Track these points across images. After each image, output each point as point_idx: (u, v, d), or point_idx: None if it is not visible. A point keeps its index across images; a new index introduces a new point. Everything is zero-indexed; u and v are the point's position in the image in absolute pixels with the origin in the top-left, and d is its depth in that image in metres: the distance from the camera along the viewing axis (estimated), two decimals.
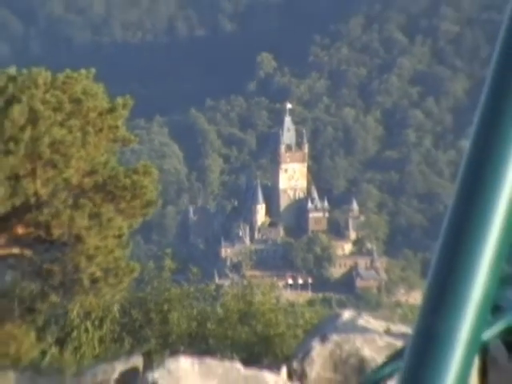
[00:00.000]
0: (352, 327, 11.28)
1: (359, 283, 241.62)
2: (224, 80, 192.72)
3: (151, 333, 25.14)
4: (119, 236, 27.26)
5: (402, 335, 9.67)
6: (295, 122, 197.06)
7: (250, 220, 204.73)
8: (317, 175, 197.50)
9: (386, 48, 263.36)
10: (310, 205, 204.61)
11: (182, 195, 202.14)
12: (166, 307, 28.72)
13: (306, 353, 10.60)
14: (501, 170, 5.98)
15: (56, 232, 25.93)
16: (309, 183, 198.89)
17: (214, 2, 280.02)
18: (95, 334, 25.41)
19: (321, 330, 11.46)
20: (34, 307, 26.72)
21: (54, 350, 24.26)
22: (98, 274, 26.51)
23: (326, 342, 10.99)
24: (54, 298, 26.72)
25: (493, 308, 6.95)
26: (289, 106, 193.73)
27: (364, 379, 10.47)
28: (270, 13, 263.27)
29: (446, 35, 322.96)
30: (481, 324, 5.50)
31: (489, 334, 9.84)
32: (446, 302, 6.50)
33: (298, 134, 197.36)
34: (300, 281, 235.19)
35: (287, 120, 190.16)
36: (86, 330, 25.45)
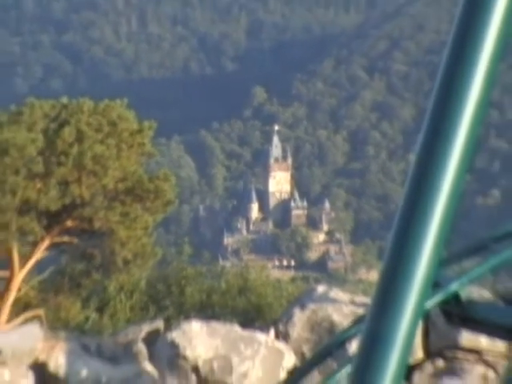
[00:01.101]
0: (325, 298, 11.20)
1: (330, 265, 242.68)
2: (226, 107, 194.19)
3: (170, 303, 25.94)
4: (145, 228, 28.33)
5: (364, 305, 9.71)
6: (281, 140, 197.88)
7: (246, 216, 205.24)
8: (298, 181, 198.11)
9: (351, 83, 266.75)
10: (292, 204, 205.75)
11: (194, 196, 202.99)
12: (183, 283, 29.28)
13: (289, 318, 10.52)
14: (438, 179, 5.96)
15: (96, 225, 26.90)
16: (292, 187, 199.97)
17: (219, 47, 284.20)
18: (127, 303, 26.24)
19: (300, 300, 11.41)
20: (80, 283, 27.78)
21: (95, 315, 24.98)
22: (129, 257, 27.69)
23: (305, 309, 10.93)
24: (95, 275, 28.03)
25: (433, 284, 7.01)
26: (276, 128, 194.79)
27: (334, 338, 10.43)
28: (263, 56, 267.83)
29: (398, 73, 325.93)
30: (424, 297, 5.50)
31: (430, 304, 9.96)
32: (399, 278, 6.49)
33: (284, 150, 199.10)
34: (285, 263, 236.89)
35: (275, 139, 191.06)
36: (120, 301, 26.28)
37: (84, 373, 10.18)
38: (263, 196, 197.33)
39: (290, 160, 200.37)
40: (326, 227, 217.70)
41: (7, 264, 26.05)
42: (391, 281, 5.86)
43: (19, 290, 25.72)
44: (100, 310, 25.90)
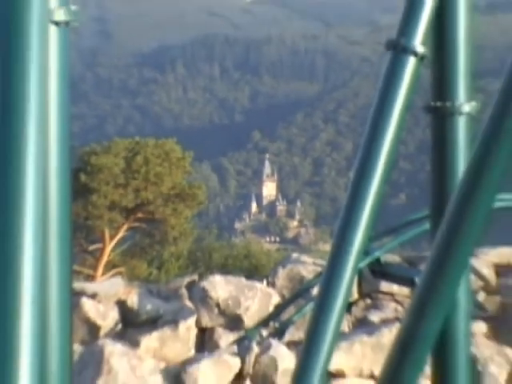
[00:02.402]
0: (297, 261, 11.21)
1: (301, 241, 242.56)
2: (237, 143, 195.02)
3: (202, 264, 26.60)
4: (186, 218, 29.24)
5: (321, 265, 9.81)
6: (270, 163, 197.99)
7: (248, 210, 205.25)
8: (280, 189, 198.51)
9: (314, 129, 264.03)
10: (277, 203, 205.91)
11: (216, 199, 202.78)
12: (210, 252, 29.77)
13: (275, 273, 10.50)
14: (369, 185, 5.85)
15: (156, 216, 28.04)
16: (276, 193, 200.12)
17: (232, 108, 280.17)
18: (175, 264, 27.33)
19: (282, 262, 11.37)
20: (146, 251, 28.83)
21: (156, 272, 26.23)
22: (177, 235, 28.49)
23: (285, 268, 10.87)
24: (156, 247, 29.01)
25: (365, 252, 6.91)
26: (267, 156, 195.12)
27: (303, 286, 10.38)
28: (259, 111, 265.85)
29: (344, 123, 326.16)
30: (359, 260, 5.40)
31: (362, 265, 10.02)
32: (344, 249, 6.33)
33: (272, 169, 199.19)
34: (272, 239, 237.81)
35: (266, 162, 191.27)
36: (171, 263, 27.39)
37: (148, 307, 10.17)
38: (259, 198, 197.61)
39: (275, 175, 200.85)
40: (298, 217, 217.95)
41: (101, 240, 26.98)
42: (339, 250, 5.83)
43: (109, 256, 26.74)
44: (159, 268, 26.98)
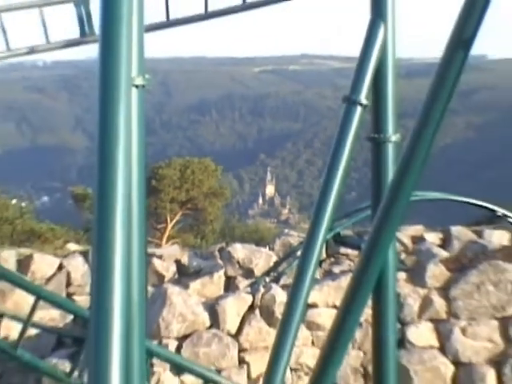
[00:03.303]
0: (288, 234, 11.22)
1: (290, 222, 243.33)
2: (250, 161, 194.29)
3: (228, 237, 24.50)
4: (218, 208, 27.93)
5: (303, 237, 9.63)
6: (271, 173, 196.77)
7: (257, 203, 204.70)
8: (277, 189, 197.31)
9: (295, 157, 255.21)
10: (275, 198, 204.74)
11: (236, 196, 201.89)
12: (234, 229, 29.55)
13: (273, 242, 10.50)
14: (335, 184, 5.68)
15: (199, 206, 26.84)
16: (275, 192, 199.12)
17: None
18: (211, 236, 26.14)
19: (278, 235, 11.34)
20: (193, 228, 27.56)
21: (199, 242, 24.41)
22: (212, 219, 27.42)
23: (280, 239, 10.98)
24: (199, 226, 27.60)
25: (330, 228, 6.82)
26: (269, 169, 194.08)
27: (290, 250, 10.34)
28: (263, 140, 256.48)
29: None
30: (327, 233, 5.34)
31: (328, 237, 9.78)
32: (319, 225, 6.23)
33: (271, 177, 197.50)
34: (272, 221, 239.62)
35: (268, 173, 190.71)
36: (209, 236, 26.38)
37: (194, 263, 10.14)
38: (264, 195, 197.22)
39: (274, 181, 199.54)
40: (288, 207, 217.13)
41: (165, 222, 25.86)
42: (314, 228, 5.84)
43: (169, 232, 25.78)
44: (201, 239, 25.41)
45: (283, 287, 9.33)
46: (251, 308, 9.08)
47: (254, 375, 8.75)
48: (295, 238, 11.02)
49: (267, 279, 9.77)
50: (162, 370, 8.23)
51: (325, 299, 9.11)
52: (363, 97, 5.61)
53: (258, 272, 10.09)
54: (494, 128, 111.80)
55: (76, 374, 4.85)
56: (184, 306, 8.83)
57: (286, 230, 12.52)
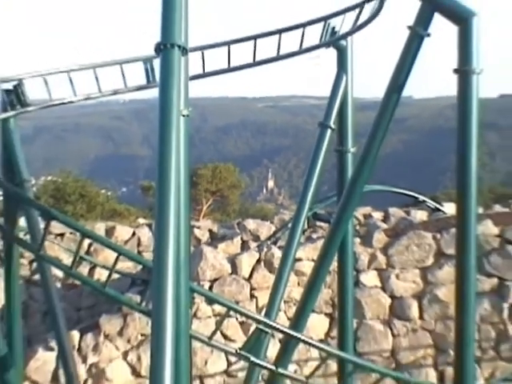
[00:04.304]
0: (282, 213, 11.04)
1: (284, 204, 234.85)
2: (257, 164, 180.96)
3: (244, 214, 22.70)
4: (236, 196, 25.93)
5: (292, 215, 9.23)
6: (272, 173, 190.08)
7: (262, 193, 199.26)
8: (275, 184, 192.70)
9: (291, 159, 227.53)
10: (274, 190, 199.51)
11: (248, 188, 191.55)
12: (247, 209, 28.11)
13: (273, 218, 10.44)
14: (312, 180, 5.59)
15: (224, 194, 24.73)
16: (273, 185, 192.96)
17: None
18: (232, 215, 24.03)
19: (276, 213, 11.17)
20: (219, 209, 25.23)
21: (224, 218, 22.29)
22: (233, 202, 25.46)
23: (277, 216, 10.91)
24: (224, 208, 25.26)
25: (310, 208, 6.72)
26: (270, 170, 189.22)
27: (284, 223, 10.21)
28: (266, 151, 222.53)
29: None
30: (307, 212, 5.27)
31: (309, 214, 9.53)
32: (303, 210, 6.15)
33: (272, 175, 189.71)
34: (272, 205, 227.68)
35: (270, 173, 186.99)
36: (231, 214, 24.24)
37: (221, 231, 10.10)
38: (267, 188, 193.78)
39: (273, 178, 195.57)
40: (282, 195, 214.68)
41: (201, 205, 23.80)
42: (300, 208, 5.80)
43: (204, 212, 23.60)
44: (226, 216, 23.38)
45: (279, 247, 9.32)
46: (258, 261, 9.07)
47: (260, 305, 8.75)
48: (287, 215, 10.99)
49: (269, 242, 9.76)
50: (199, 301, 8.25)
51: (306, 255, 9.11)
52: (332, 123, 5.63)
53: (262, 238, 10.08)
54: (418, 143, 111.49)
55: (144, 303, 4.88)
56: (214, 260, 8.84)
57: (281, 210, 12.48)
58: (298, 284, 9.01)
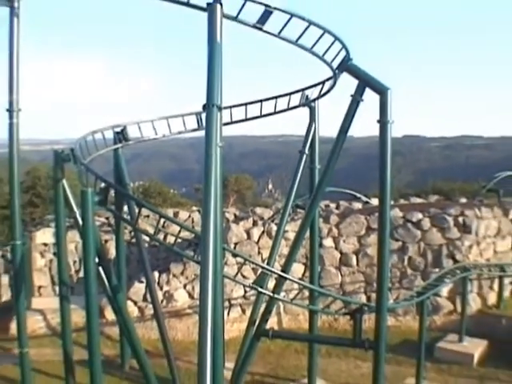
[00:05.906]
0: (276, 204, 10.90)
1: (278, 199, 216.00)
2: (260, 175, 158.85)
3: (252, 205, 15.31)
4: (249, 194, 21.73)
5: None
6: (271, 180, 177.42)
7: (264, 193, 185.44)
8: (274, 186, 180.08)
9: (282, 172, 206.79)
10: (272, 190, 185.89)
11: (256, 189, 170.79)
12: (255, 203, 22.55)
13: (271, 207, 10.25)
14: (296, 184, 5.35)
15: (242, 193, 20.19)
16: (272, 187, 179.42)
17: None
18: (247, 205, 17.13)
19: (274, 204, 10.88)
20: (237, 201, 20.00)
21: (240, 206, 15.46)
22: (245, 197, 20.66)
23: (274, 204, 10.64)
24: (241, 200, 20.16)
25: (292, 202, 6.43)
26: (270, 178, 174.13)
27: (278, 209, 9.78)
28: (271, 165, 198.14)
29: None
30: (292, 203, 5.07)
31: (293, 204, 7.99)
32: (289, 201, 5.97)
33: (271, 181, 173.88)
34: (270, 201, 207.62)
35: (270, 180, 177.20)
36: (246, 205, 17.83)
37: (241, 215, 9.84)
38: (268, 189, 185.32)
39: (272, 183, 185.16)
40: (277, 194, 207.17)
41: (228, 200, 18.80)
42: (287, 202, 5.80)
43: (230, 203, 18.37)
44: (243, 205, 16.18)
45: (275, 224, 9.12)
46: (263, 232, 8.86)
47: (264, 258, 8.67)
48: (280, 205, 10.80)
49: (269, 221, 9.65)
50: (228, 256, 8.22)
51: (292, 229, 8.94)
52: (306, 150, 5.63)
53: (265, 218, 9.97)
54: (357, 164, 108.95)
55: (196, 256, 4.91)
56: (237, 232, 8.76)
57: (276, 203, 12.31)
58: (286, 246, 8.91)
